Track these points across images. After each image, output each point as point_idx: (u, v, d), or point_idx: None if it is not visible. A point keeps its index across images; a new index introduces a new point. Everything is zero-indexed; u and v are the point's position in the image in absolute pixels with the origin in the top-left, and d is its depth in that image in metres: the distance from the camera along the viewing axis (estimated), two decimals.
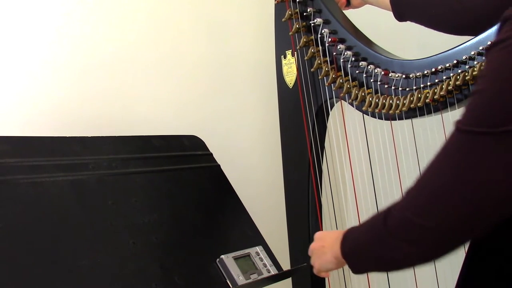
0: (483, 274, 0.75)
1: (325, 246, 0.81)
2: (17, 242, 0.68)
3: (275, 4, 1.10)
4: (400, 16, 1.00)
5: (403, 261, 0.69)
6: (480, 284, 0.75)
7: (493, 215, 0.61)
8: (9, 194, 0.71)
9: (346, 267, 0.77)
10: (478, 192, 0.57)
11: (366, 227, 0.73)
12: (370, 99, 0.98)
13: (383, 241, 0.68)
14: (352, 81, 1.00)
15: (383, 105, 0.96)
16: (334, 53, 1.02)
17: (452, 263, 0.90)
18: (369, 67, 0.97)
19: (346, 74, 1.01)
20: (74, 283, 0.70)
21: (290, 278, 1.09)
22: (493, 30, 0.83)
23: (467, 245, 0.78)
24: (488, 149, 0.55)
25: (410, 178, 0.75)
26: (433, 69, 0.91)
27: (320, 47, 1.03)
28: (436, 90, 0.90)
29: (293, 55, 1.09)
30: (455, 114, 0.92)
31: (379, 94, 0.97)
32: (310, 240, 1.07)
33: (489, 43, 0.72)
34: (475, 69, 0.86)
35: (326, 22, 1.03)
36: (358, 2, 1.08)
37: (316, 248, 0.83)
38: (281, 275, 0.92)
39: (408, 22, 1.02)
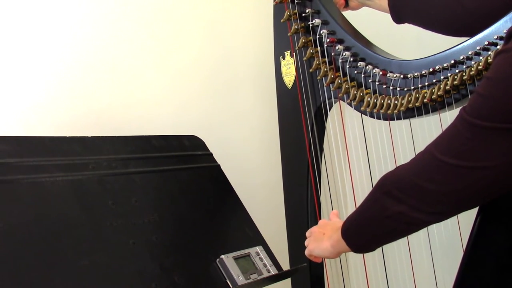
0: (483, 272, 0.76)
1: (325, 234, 0.82)
2: (17, 242, 0.68)
3: (274, 5, 1.10)
4: (399, 18, 1.01)
5: (402, 217, 0.70)
6: (479, 280, 0.76)
7: (484, 196, 0.68)
8: (9, 194, 0.71)
9: (346, 266, 0.78)
10: (473, 174, 0.65)
11: (363, 201, 0.76)
12: (369, 99, 0.98)
13: (379, 199, 0.72)
14: (351, 81, 1.01)
15: (381, 105, 0.97)
16: (333, 54, 1.02)
17: (451, 264, 0.90)
18: (367, 67, 0.98)
19: (344, 75, 1.01)
20: (74, 283, 0.70)
21: (290, 278, 1.09)
22: (491, 30, 0.84)
23: (465, 243, 0.79)
24: (488, 140, 0.63)
25: None
26: (431, 69, 0.91)
27: (319, 48, 1.04)
28: (434, 90, 0.91)
29: (291, 55, 1.09)
30: (453, 114, 0.92)
31: (378, 94, 0.98)
32: None
33: (495, 37, 0.76)
34: (473, 69, 0.86)
35: (324, 23, 1.03)
36: (355, 4, 1.08)
37: (315, 232, 0.85)
38: (281, 275, 0.92)
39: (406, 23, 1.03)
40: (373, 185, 0.92)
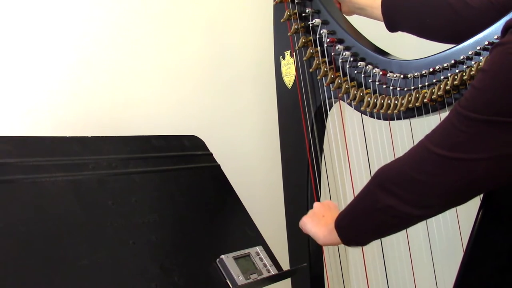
0: (483, 272, 0.76)
1: (325, 217, 0.83)
2: (17, 242, 0.68)
3: (274, 5, 1.10)
4: (392, 27, 1.01)
5: (391, 210, 0.70)
6: (479, 280, 0.76)
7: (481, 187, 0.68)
8: (9, 194, 0.71)
9: (346, 266, 0.78)
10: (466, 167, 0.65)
11: (358, 193, 0.76)
12: (369, 99, 0.98)
13: (372, 191, 0.72)
14: (351, 81, 1.01)
15: (382, 105, 0.97)
16: (333, 54, 1.02)
17: (451, 264, 0.90)
18: (367, 67, 0.98)
19: (344, 75, 1.01)
20: (74, 283, 0.69)
21: (290, 278, 1.09)
22: (491, 30, 0.84)
23: (465, 243, 0.79)
24: (482, 133, 0.63)
25: None
26: (431, 69, 0.91)
27: (319, 48, 1.04)
28: (434, 90, 0.91)
29: (291, 55, 1.09)
30: None
31: (378, 94, 0.98)
32: (310, 239, 1.07)
33: (495, 37, 0.77)
34: (473, 69, 0.86)
35: (324, 23, 1.03)
36: (347, 10, 1.08)
37: (317, 212, 0.86)
38: (281, 275, 0.92)
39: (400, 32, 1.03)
40: None
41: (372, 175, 0.75)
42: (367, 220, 0.74)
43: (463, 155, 0.64)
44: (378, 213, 0.72)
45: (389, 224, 0.73)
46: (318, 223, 0.84)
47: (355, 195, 0.78)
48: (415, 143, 0.97)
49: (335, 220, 0.79)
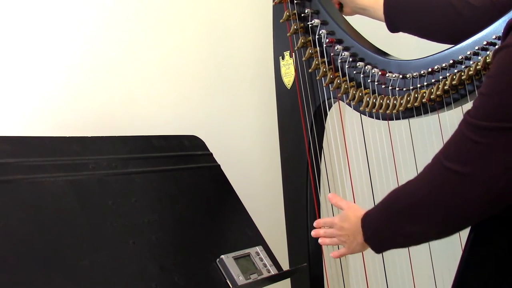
0: (482, 272, 0.76)
1: (349, 236, 0.84)
2: (17, 242, 0.68)
3: (273, 5, 1.10)
4: (393, 27, 1.01)
5: (420, 235, 0.72)
6: (478, 279, 0.76)
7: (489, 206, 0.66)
8: (9, 194, 0.71)
9: (345, 266, 0.79)
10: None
11: (381, 204, 0.77)
12: (368, 99, 0.99)
13: (395, 218, 0.73)
14: (350, 82, 1.01)
15: (380, 105, 0.97)
16: (332, 54, 1.03)
17: (450, 264, 0.90)
18: (366, 67, 0.98)
19: (343, 75, 1.02)
20: (74, 283, 0.70)
21: (289, 278, 1.09)
22: (489, 30, 0.84)
23: (464, 243, 0.79)
24: (498, 141, 0.62)
25: (407, 177, 0.76)
26: (430, 69, 0.91)
27: (318, 48, 1.04)
28: (432, 90, 0.91)
29: (291, 56, 1.10)
30: (451, 114, 0.93)
31: (377, 94, 0.98)
32: (309, 240, 1.07)
33: (493, 37, 0.77)
34: (471, 68, 0.87)
35: (323, 23, 1.03)
36: (349, 10, 1.08)
37: (341, 235, 0.87)
38: (281, 275, 0.92)
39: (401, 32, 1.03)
40: (372, 185, 0.92)
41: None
42: (395, 240, 0.77)
43: (481, 170, 0.62)
44: (403, 238, 0.74)
45: (417, 242, 0.77)
46: (352, 243, 0.85)
47: (377, 211, 0.78)
48: (414, 143, 0.98)
49: (364, 236, 0.80)
